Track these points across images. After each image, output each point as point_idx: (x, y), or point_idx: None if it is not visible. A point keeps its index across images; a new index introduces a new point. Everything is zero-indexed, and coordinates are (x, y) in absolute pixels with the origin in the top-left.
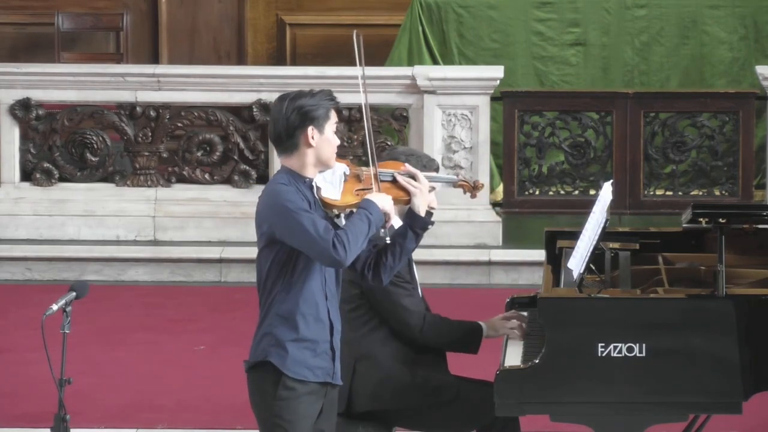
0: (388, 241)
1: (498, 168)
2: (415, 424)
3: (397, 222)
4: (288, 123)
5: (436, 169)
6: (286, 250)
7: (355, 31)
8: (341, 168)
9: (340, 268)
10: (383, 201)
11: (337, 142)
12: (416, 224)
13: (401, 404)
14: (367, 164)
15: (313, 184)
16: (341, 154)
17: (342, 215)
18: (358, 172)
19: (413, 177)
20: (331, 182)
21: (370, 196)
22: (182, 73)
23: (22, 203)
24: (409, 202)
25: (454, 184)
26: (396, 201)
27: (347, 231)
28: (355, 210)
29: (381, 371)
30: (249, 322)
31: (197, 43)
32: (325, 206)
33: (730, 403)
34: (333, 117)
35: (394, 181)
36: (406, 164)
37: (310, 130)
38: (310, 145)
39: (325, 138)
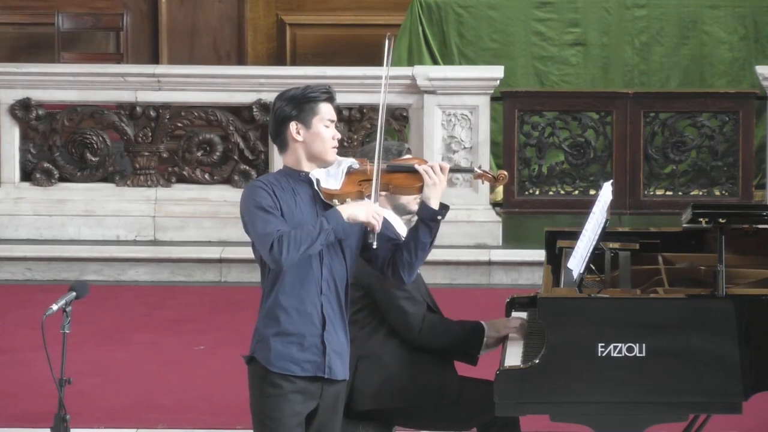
0: (375, 246)
1: (498, 168)
2: (415, 423)
3: (398, 225)
4: (274, 120)
5: (409, 151)
6: None
7: (387, 34)
8: (348, 161)
9: (279, 268)
10: (354, 210)
11: (335, 135)
12: (425, 214)
13: (403, 404)
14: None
15: (311, 177)
16: (341, 154)
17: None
18: (366, 166)
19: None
20: (334, 174)
21: (339, 207)
22: (182, 73)
23: (22, 203)
24: (418, 191)
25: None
26: (406, 190)
27: (293, 234)
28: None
29: (383, 371)
30: (249, 322)
31: (197, 43)
32: (326, 197)
33: (730, 403)
34: (323, 111)
35: (407, 171)
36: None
37: (294, 126)
38: (296, 141)
39: (313, 132)
